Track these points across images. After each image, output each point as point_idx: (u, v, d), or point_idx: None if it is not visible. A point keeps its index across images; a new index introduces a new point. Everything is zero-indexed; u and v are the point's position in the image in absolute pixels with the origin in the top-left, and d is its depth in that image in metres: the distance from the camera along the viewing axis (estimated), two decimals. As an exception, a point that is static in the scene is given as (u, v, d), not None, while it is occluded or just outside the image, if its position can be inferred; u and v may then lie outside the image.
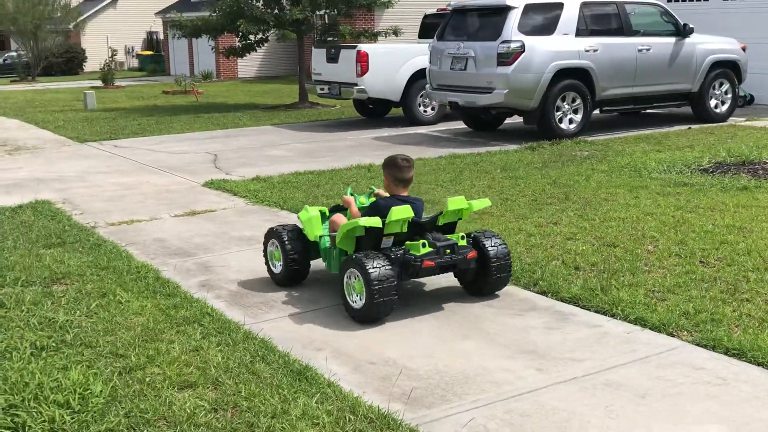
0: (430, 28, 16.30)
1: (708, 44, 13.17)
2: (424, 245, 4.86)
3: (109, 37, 43.89)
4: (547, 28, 11.86)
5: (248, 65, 32.86)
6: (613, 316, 4.72)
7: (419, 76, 14.55)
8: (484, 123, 13.60)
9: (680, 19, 13.06)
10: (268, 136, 13.86)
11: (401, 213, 4.79)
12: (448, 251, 4.89)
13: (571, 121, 12.07)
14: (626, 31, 12.42)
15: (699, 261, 5.61)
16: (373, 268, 4.64)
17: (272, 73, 33.58)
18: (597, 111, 12.71)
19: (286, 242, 5.38)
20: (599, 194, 7.87)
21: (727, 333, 4.33)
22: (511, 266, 5.10)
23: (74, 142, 13.62)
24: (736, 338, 4.25)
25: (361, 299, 4.70)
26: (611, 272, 5.41)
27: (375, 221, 4.82)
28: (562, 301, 5.01)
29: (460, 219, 5.22)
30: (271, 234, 5.55)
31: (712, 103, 13.39)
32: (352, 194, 5.54)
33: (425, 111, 15.00)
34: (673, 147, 10.73)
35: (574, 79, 11.94)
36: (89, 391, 3.75)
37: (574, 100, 12.03)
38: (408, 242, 4.92)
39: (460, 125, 14.12)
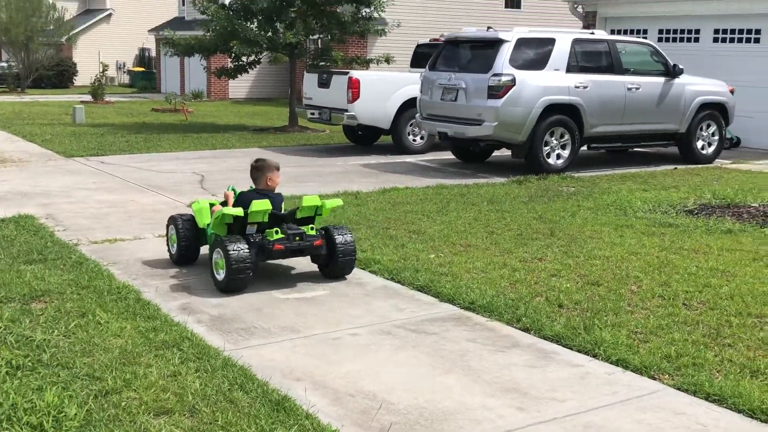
0: (422, 57, 16.39)
1: (697, 85, 13.30)
2: (276, 232, 6.06)
3: (101, 51, 43.87)
4: (539, 62, 11.94)
5: (239, 86, 32.88)
6: (595, 356, 4.71)
7: (410, 105, 14.61)
8: (473, 154, 13.64)
9: (670, 59, 13.20)
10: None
11: (260, 205, 6.00)
12: (297, 238, 6.10)
13: (558, 157, 12.12)
14: (616, 69, 12.53)
15: (682, 303, 5.62)
16: (233, 249, 5.80)
17: (263, 95, 33.63)
18: (585, 147, 12.78)
19: (180, 228, 6.57)
20: (584, 231, 7.89)
21: (709, 378, 4.33)
22: (354, 255, 6.26)
23: (61, 157, 13.55)
24: (718, 384, 4.24)
25: (223, 274, 5.85)
26: (594, 311, 5.41)
27: (237, 211, 6.03)
28: (544, 338, 4.99)
29: (320, 215, 6.38)
30: (170, 221, 6.73)
31: (699, 144, 13.51)
32: (232, 190, 6.58)
33: (414, 140, 15.04)
34: (659, 186, 10.80)
35: (563, 114, 12.00)
36: (63, 414, 3.70)
37: (562, 136, 12.10)
38: (267, 230, 6.06)
39: (448, 156, 14.17)
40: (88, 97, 29.11)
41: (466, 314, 5.47)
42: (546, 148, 11.99)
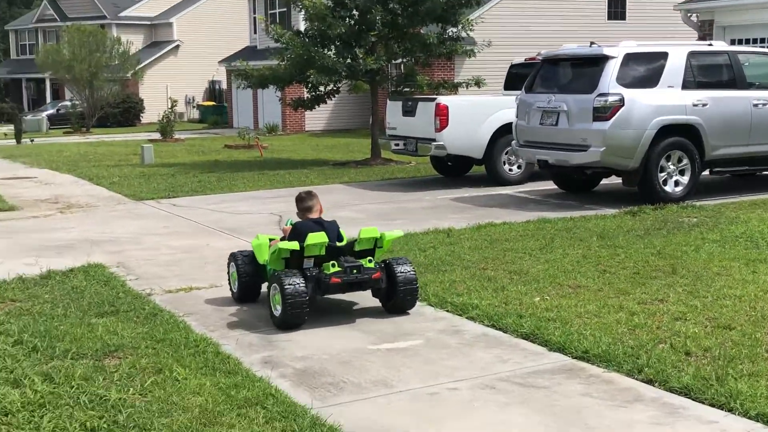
0: (517, 78, 16.36)
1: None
2: (333, 265, 6.46)
3: (169, 86, 45.41)
4: (650, 80, 11.78)
5: (316, 118, 33.47)
6: (730, 410, 4.55)
7: (504, 131, 14.57)
8: (578, 184, 13.49)
9: (802, 69, 12.84)
10: (337, 195, 14.01)
11: (316, 238, 6.43)
12: (355, 271, 6.46)
13: (677, 184, 11.89)
14: (739, 83, 12.26)
15: (832, 349, 5.39)
16: (289, 284, 6.21)
17: (342, 126, 34.13)
18: (706, 172, 12.47)
19: (240, 264, 7.06)
20: (711, 268, 7.68)
21: None
22: (417, 290, 6.65)
23: (130, 200, 14.00)
24: None
25: (280, 309, 6.28)
26: (727, 359, 5.24)
27: (292, 245, 6.46)
28: (671, 391, 4.86)
29: (380, 248, 6.75)
30: (231, 257, 7.24)
31: (841, 164, 13.03)
32: (291, 224, 6.95)
33: (511, 170, 14.97)
34: (795, 214, 10.45)
35: (680, 136, 11.78)
36: (142, 480, 3.77)
37: (680, 160, 11.86)
38: (324, 263, 6.46)
39: (550, 186, 14.05)
40: (156, 135, 30.13)
41: (579, 365, 5.37)
42: (662, 174, 11.77)
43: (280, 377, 5.30)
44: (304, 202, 6.98)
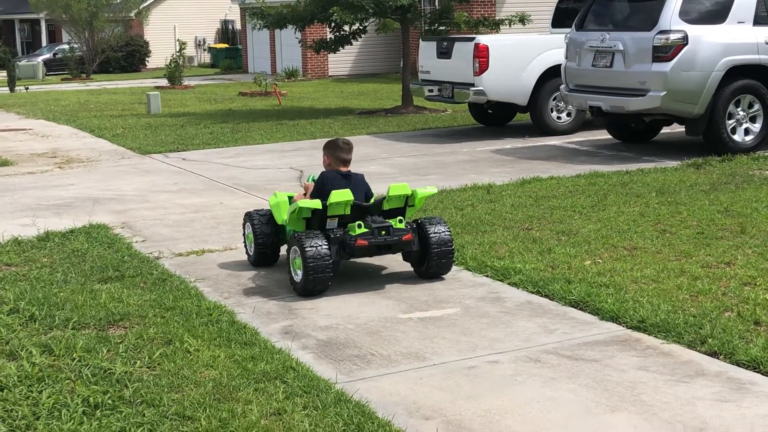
0: (566, 15, 16.18)
1: None
2: (359, 226, 6.40)
3: (177, 27, 45.42)
4: (717, 14, 11.62)
5: (341, 61, 33.38)
6: (806, 386, 4.53)
7: (552, 74, 14.47)
8: (635, 133, 13.39)
9: None
10: (364, 147, 14.00)
11: (340, 196, 6.40)
12: (384, 233, 6.41)
13: (747, 132, 11.77)
14: (820, 17, 12.05)
15: None
16: (310, 246, 6.19)
17: (369, 70, 34.02)
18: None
19: (256, 225, 7.06)
20: (785, 227, 7.62)
21: None
22: (453, 252, 6.61)
23: (135, 154, 14.09)
24: None
25: (300, 274, 6.28)
26: (803, 329, 5.21)
27: (314, 203, 6.47)
28: (737, 365, 4.85)
29: (412, 206, 6.79)
30: (246, 217, 7.27)
31: None
32: (313, 180, 7.00)
33: (559, 118, 14.87)
34: None
35: (751, 78, 11.65)
36: (151, 461, 3.83)
37: (751, 106, 11.73)
38: (349, 224, 6.45)
39: (603, 135, 13.95)
40: (163, 82, 30.22)
41: (634, 336, 5.36)
42: (730, 121, 11.65)
43: (302, 349, 5.34)
44: (341, 152, 6.92)
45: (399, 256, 6.87)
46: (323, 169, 6.99)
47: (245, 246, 7.36)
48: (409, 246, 6.57)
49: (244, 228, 7.34)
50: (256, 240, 7.08)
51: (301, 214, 6.58)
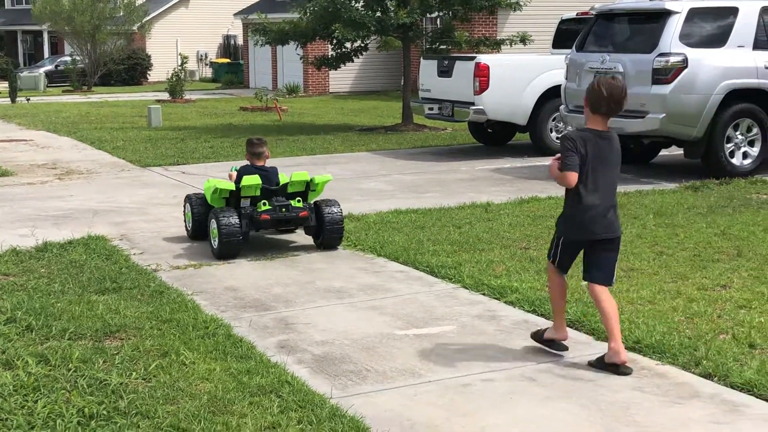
0: (567, 36, 16.26)
1: None
2: (264, 204, 8.06)
3: (180, 41, 45.52)
4: (717, 38, 11.67)
5: (342, 78, 33.44)
6: (799, 410, 4.54)
7: (552, 94, 14.50)
8: (634, 154, 13.40)
9: None
10: (363, 164, 14.03)
11: (250, 180, 8.02)
12: (284, 210, 8.07)
13: (745, 156, 11.80)
14: (820, 43, 12.10)
15: None
16: (223, 219, 7.80)
17: (370, 87, 34.09)
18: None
19: (193, 205, 8.58)
20: (782, 251, 7.64)
21: None
22: (342, 230, 8.23)
23: (135, 167, 14.11)
24: None
25: (216, 242, 7.84)
26: (797, 353, 5.22)
27: (228, 185, 8.19)
28: (731, 387, 4.87)
29: (314, 191, 8.36)
30: (186, 199, 8.77)
31: None
32: (235, 170, 8.48)
33: (558, 138, 14.89)
34: None
35: (750, 102, 11.69)
36: (145, 472, 3.84)
37: (749, 129, 11.77)
38: (258, 203, 8.06)
39: (602, 157, 13.94)
40: (165, 95, 30.26)
41: (630, 356, 5.36)
42: (729, 145, 11.68)
43: (298, 363, 5.35)
44: (255, 147, 8.44)
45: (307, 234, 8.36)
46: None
47: (185, 222, 8.81)
48: (306, 221, 8.19)
49: (184, 207, 8.81)
50: (193, 217, 8.59)
51: (221, 195, 8.20)
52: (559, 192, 10.75)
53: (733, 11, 11.79)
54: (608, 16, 12.86)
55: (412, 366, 5.30)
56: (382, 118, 22.18)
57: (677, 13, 11.56)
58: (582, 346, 5.58)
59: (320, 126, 20.43)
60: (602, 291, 5.28)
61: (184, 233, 8.90)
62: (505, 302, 6.50)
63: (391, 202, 10.37)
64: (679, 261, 7.40)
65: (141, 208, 10.54)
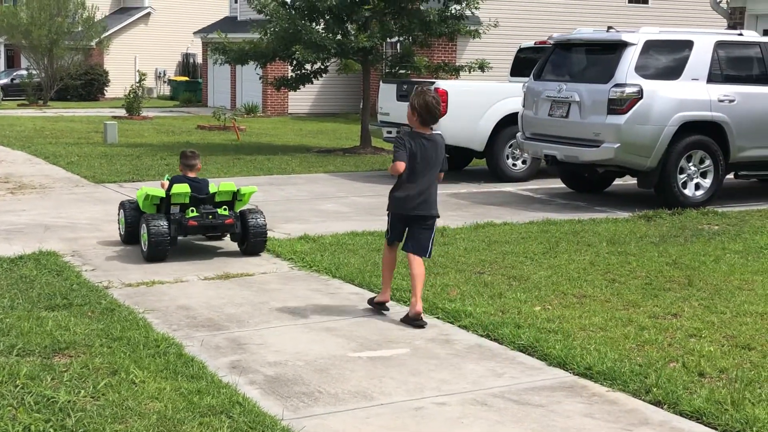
0: (525, 64, 16.39)
1: None
2: (192, 211, 8.59)
3: (138, 57, 45.30)
4: (672, 71, 11.83)
5: (301, 99, 33.45)
6: (747, 438, 4.58)
7: (509, 122, 14.59)
8: (588, 183, 13.53)
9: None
10: (320, 186, 14.01)
11: (180, 188, 8.54)
12: (211, 217, 8.59)
13: (697, 187, 11.93)
14: (771, 78, 12.32)
15: None
16: (153, 225, 8.33)
17: (329, 110, 34.13)
18: (731, 175, 12.53)
19: (127, 211, 9.12)
20: (731, 281, 7.72)
21: None
22: (266, 237, 8.81)
23: (89, 183, 13.97)
24: None
25: (146, 246, 8.37)
26: (745, 382, 5.27)
27: (158, 192, 8.75)
28: (681, 415, 4.90)
29: (240, 201, 8.94)
30: (120, 206, 9.33)
31: None
32: (168, 179, 9.01)
33: (515, 165, 15.01)
34: (827, 226, 10.51)
35: (703, 134, 11.83)
36: (91, 492, 3.78)
37: (702, 161, 11.91)
38: (187, 210, 8.58)
39: (557, 184, 14.08)
40: (121, 112, 30.04)
41: (580, 382, 5.40)
42: (682, 176, 11.81)
43: (249, 384, 5.31)
44: (188, 159, 8.99)
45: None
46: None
47: (119, 227, 9.36)
48: (231, 228, 8.73)
49: (118, 214, 9.34)
50: (126, 222, 9.10)
51: (152, 201, 8.75)
52: (515, 218, 10.86)
53: (688, 44, 11.97)
54: (566, 46, 12.99)
55: (364, 388, 5.28)
56: (340, 141, 22.19)
57: (633, 44, 11.70)
58: (534, 371, 5.59)
59: (278, 146, 20.39)
60: (415, 259, 6.65)
61: (138, 250, 8.81)
62: (458, 326, 6.51)
63: (348, 224, 10.36)
64: (631, 289, 7.45)
65: (94, 224, 10.42)
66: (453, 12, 19.14)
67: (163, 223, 8.39)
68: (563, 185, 13.87)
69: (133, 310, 6.74)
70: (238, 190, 8.89)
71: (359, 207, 12.00)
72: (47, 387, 5.03)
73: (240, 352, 5.93)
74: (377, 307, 6.87)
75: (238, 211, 8.88)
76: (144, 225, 8.43)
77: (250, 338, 6.22)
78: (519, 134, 13.39)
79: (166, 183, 8.90)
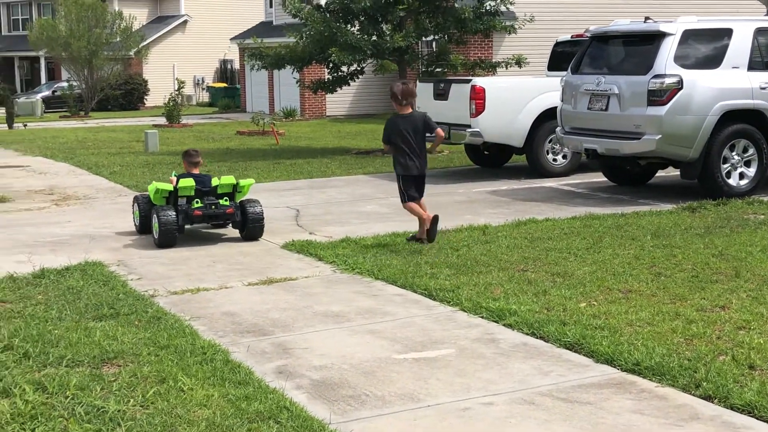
0: (562, 58, 16.30)
1: None
2: (197, 202, 9.74)
3: (176, 66, 45.65)
4: (712, 60, 11.71)
5: (338, 102, 33.51)
6: (800, 431, 4.52)
7: (548, 117, 14.52)
8: (630, 176, 13.42)
9: None
10: (360, 187, 14.03)
11: (185, 182, 9.77)
12: (213, 207, 9.72)
13: (741, 176, 11.80)
14: (814, 63, 12.14)
15: None
16: (163, 215, 9.46)
17: (367, 111, 34.15)
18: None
19: (140, 204, 10.22)
20: (780, 271, 7.63)
21: None
22: (263, 224, 9.87)
23: (132, 192, 14.09)
24: None
25: (157, 234, 9.52)
26: (797, 374, 5.20)
27: (167, 186, 9.92)
28: (732, 409, 4.84)
29: (240, 192, 10.10)
30: (134, 200, 10.52)
31: None
32: (175, 176, 10.09)
33: (555, 160, 14.93)
34: None
35: (746, 123, 11.71)
36: (143, 501, 3.81)
37: (745, 150, 11.78)
38: (192, 201, 9.75)
39: (598, 178, 13.98)
40: (161, 120, 30.32)
41: (629, 378, 5.36)
42: (725, 165, 11.69)
43: (296, 389, 5.33)
44: (192, 157, 10.27)
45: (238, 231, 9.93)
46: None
47: (133, 219, 10.46)
48: (232, 217, 9.81)
49: (132, 207, 10.48)
50: (140, 214, 10.18)
51: (162, 194, 9.87)
52: (557, 214, 10.80)
53: (727, 32, 11.83)
54: (603, 39, 12.90)
55: (410, 390, 5.28)
56: (379, 142, 22.05)
57: (672, 34, 11.59)
58: (581, 369, 5.56)
59: (317, 149, 20.46)
60: (421, 203, 9.29)
61: (182, 258, 8.87)
62: (503, 325, 6.48)
63: (389, 225, 10.36)
64: (677, 282, 7.38)
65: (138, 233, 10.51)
66: (488, 8, 19.08)
67: (172, 213, 9.50)
68: (605, 179, 13.77)
69: (179, 317, 6.80)
70: (237, 183, 10.04)
71: (399, 207, 11.93)
72: (97, 397, 5.08)
73: (286, 356, 5.96)
74: (418, 241, 9.10)
75: (238, 201, 9.97)
76: (155, 215, 9.54)
77: (295, 342, 6.24)
78: (558, 129, 13.32)
79: (174, 179, 9.95)
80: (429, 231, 9.11)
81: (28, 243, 9.99)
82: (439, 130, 9.33)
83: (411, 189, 9.20)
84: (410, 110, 9.18)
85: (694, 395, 5.06)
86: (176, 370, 5.50)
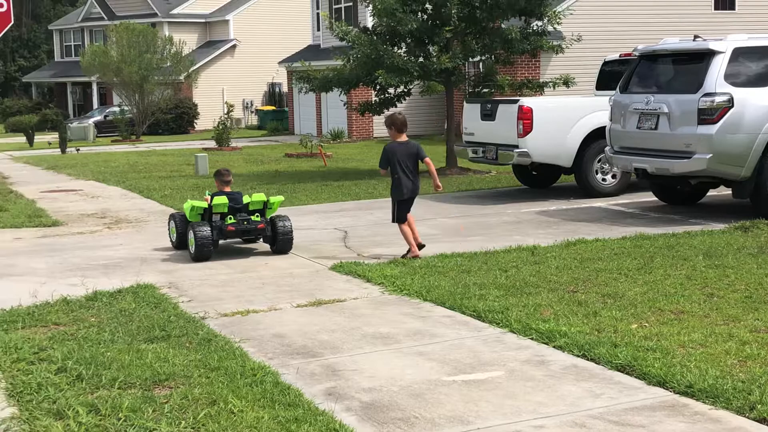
0: (610, 77, 16.22)
1: None
2: (230, 218, 10.39)
3: (225, 89, 46.14)
4: (763, 77, 11.59)
5: (386, 123, 33.58)
6: None
7: (597, 136, 14.45)
8: (681, 195, 13.30)
9: None
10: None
11: (219, 200, 10.37)
12: (245, 223, 10.36)
13: (795, 195, 11.64)
14: None
15: None
16: (198, 230, 10.08)
17: (414, 132, 34.11)
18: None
19: (177, 221, 10.81)
20: (836, 291, 7.50)
21: None
22: (292, 238, 10.47)
23: (182, 215, 14.23)
24: None
25: (193, 248, 10.13)
26: None
27: (202, 203, 10.52)
28: (788, 432, 4.76)
29: (270, 208, 10.71)
30: (170, 217, 11.16)
31: None
32: (209, 195, 10.66)
33: (604, 180, 14.83)
34: None
35: (798, 141, 11.56)
36: None
37: (798, 168, 11.62)
38: (227, 218, 10.43)
39: (649, 198, 13.87)
40: (211, 143, 30.63)
41: (681, 401, 5.29)
42: (778, 184, 11.54)
43: (345, 411, 5.33)
44: (224, 176, 10.95)
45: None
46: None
47: (170, 236, 11.09)
48: (263, 232, 10.43)
49: (168, 224, 11.16)
50: (177, 230, 10.75)
51: (197, 211, 10.48)
52: (607, 234, 10.72)
53: (778, 50, 11.72)
54: (651, 57, 12.83)
55: (460, 413, 5.25)
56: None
57: (722, 53, 11.50)
58: (633, 391, 5.50)
59: (365, 171, 20.51)
60: (409, 218, 10.07)
61: (232, 280, 8.94)
62: (553, 347, 6.44)
63: (437, 246, 10.35)
64: (730, 303, 7.28)
65: (188, 256, 10.60)
66: (534, 28, 19.08)
67: (207, 229, 10.10)
68: (655, 198, 13.66)
69: (229, 339, 6.84)
70: (267, 200, 10.65)
71: (448, 228, 11.98)
72: (149, 419, 5.13)
73: (335, 378, 5.96)
74: (415, 257, 9.70)
75: (268, 217, 10.58)
76: (191, 231, 10.14)
77: (344, 364, 6.25)
78: (608, 148, 13.25)
79: (208, 197, 10.55)
80: (419, 246, 9.95)
81: (81, 266, 10.13)
82: (428, 159, 10.30)
83: (405, 210, 10.03)
84: (406, 138, 10.16)
85: (748, 418, 4.98)
86: (226, 392, 5.53)
